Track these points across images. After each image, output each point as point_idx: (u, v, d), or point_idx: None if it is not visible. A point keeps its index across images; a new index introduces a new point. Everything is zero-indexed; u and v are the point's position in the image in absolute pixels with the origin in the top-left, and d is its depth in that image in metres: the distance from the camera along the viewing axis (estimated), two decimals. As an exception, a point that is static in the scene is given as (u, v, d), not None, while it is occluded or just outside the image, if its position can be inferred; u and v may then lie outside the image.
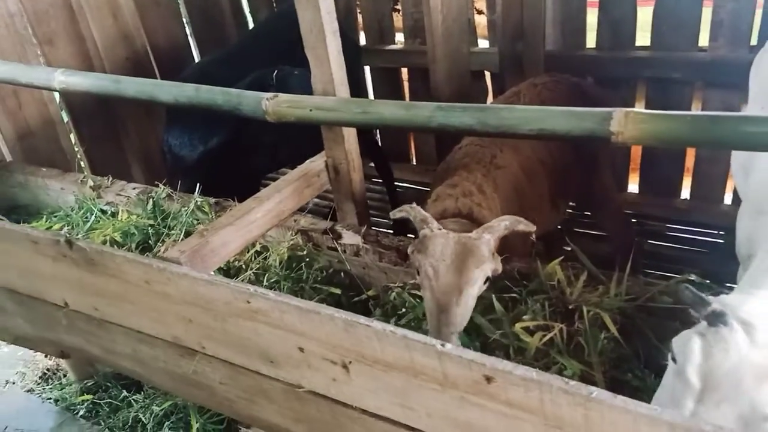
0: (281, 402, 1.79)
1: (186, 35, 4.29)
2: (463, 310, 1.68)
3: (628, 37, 3.38)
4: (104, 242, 2.51)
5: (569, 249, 2.17)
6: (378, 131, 4.12)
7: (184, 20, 4.24)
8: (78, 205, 2.86)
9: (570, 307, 1.68)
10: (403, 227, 2.67)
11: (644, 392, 1.56)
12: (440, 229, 1.75)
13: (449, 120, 1.77)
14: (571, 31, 3.49)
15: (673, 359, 1.32)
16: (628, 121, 1.56)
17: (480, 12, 3.85)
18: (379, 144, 3.99)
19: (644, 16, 3.34)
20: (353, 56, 3.59)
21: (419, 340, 1.34)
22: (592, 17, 3.46)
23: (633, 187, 3.77)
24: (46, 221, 2.87)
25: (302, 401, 1.72)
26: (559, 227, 2.82)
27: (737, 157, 1.97)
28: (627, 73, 3.45)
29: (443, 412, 1.43)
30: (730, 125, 1.46)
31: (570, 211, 3.34)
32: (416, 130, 1.90)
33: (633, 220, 3.45)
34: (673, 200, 3.60)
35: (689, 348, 1.26)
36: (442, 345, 1.31)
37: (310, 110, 1.99)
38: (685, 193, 3.60)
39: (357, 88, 3.79)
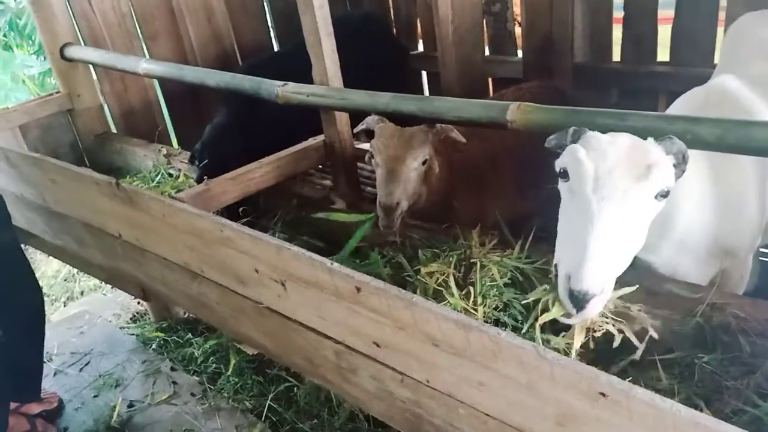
0: (253, 318, 2.29)
1: (270, 38, 4.96)
2: (406, 178, 2.19)
3: (649, 52, 3.62)
4: (162, 196, 3.16)
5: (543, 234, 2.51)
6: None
7: (269, 24, 4.91)
8: (154, 168, 3.56)
9: (472, 260, 2.06)
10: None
11: (518, 331, 1.92)
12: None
13: (399, 106, 2.23)
14: (599, 45, 3.76)
15: (563, 175, 1.61)
16: (519, 112, 1.94)
17: (521, 24, 4.19)
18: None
19: (665, 33, 3.56)
20: (398, 60, 4.09)
21: (318, 259, 1.80)
22: (618, 32, 3.72)
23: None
24: (129, 179, 3.59)
25: (264, 316, 2.21)
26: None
27: None
28: (648, 86, 3.67)
29: (342, 321, 1.86)
30: (589, 117, 1.81)
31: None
32: (379, 113, 2.35)
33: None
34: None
35: (573, 150, 1.58)
36: (331, 264, 1.77)
37: (307, 96, 2.51)
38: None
39: (401, 88, 4.26)
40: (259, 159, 2.63)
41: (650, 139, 1.57)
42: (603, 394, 1.25)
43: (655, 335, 1.66)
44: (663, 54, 3.62)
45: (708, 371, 1.66)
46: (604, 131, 1.75)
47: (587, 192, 1.51)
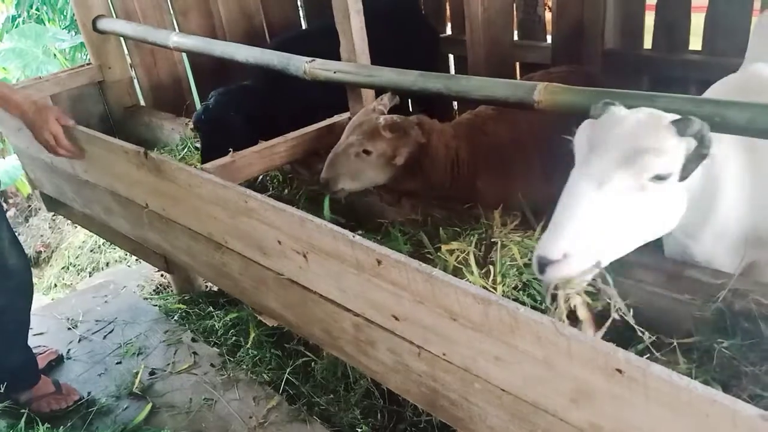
0: (274, 289, 2.32)
1: (299, 17, 4.97)
2: (340, 162, 2.34)
3: (681, 40, 3.56)
4: (189, 169, 3.21)
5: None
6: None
7: (298, 3, 4.92)
8: (180, 141, 3.60)
9: (493, 240, 2.07)
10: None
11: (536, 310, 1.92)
12: (374, 110, 2.42)
13: (426, 84, 2.23)
14: (630, 32, 3.71)
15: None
16: (545, 92, 1.94)
17: (551, 9, 4.15)
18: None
19: (698, 21, 3.50)
20: (428, 42, 4.08)
21: (340, 231, 1.82)
22: (650, 19, 3.67)
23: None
24: (156, 151, 3.64)
25: (285, 288, 2.24)
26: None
27: None
28: (680, 75, 3.61)
29: (362, 293, 1.88)
30: (617, 98, 1.79)
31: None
32: (405, 91, 2.36)
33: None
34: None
35: (582, 124, 1.61)
36: (353, 236, 1.78)
37: (334, 72, 2.52)
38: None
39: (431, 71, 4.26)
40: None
41: (670, 117, 1.54)
42: (619, 371, 1.26)
43: (617, 316, 1.58)
44: (695, 43, 3.56)
45: (727, 356, 1.65)
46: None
47: (576, 166, 1.55)
